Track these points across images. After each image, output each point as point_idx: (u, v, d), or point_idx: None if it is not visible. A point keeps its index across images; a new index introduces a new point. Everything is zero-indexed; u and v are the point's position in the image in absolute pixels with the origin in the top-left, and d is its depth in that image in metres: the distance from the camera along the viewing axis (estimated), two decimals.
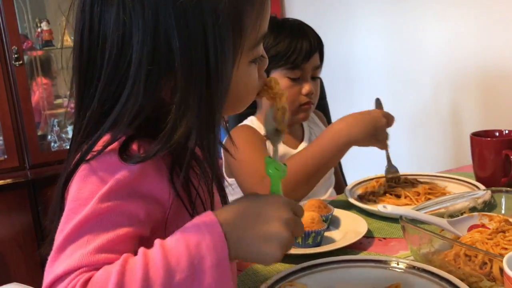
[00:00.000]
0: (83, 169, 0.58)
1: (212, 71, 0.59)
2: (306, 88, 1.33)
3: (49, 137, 2.64)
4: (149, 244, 0.56)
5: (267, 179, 0.68)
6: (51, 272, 0.54)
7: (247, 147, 1.26)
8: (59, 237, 0.55)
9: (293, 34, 1.33)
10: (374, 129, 1.14)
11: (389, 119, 1.17)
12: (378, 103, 1.23)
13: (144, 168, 0.58)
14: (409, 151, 2.21)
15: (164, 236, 0.57)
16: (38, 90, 2.60)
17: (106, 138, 0.59)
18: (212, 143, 0.62)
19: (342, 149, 1.15)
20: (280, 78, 1.30)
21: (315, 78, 1.38)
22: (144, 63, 0.58)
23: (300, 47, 1.32)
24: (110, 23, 0.59)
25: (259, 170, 1.21)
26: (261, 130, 1.37)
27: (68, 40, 2.56)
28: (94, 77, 0.61)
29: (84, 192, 0.57)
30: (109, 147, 0.58)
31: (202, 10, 0.57)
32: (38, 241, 2.34)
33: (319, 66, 1.39)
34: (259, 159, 1.19)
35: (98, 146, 0.59)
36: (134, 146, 0.59)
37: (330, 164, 1.19)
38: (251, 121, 1.40)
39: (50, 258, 0.55)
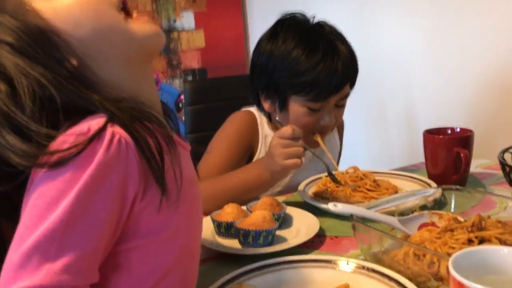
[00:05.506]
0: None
1: None
2: (325, 120, 1.22)
3: None
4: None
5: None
6: (11, 279, 0.49)
7: (224, 142, 1.25)
8: (27, 237, 0.50)
9: (324, 62, 1.15)
10: (274, 163, 1.06)
11: (289, 143, 1.04)
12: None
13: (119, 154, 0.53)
14: (366, 148, 2.23)
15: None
16: None
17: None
18: None
19: (269, 182, 1.13)
20: (298, 106, 1.20)
21: (340, 105, 1.25)
22: None
23: (329, 81, 1.16)
24: None
25: (213, 170, 1.19)
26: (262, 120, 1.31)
27: None
28: None
29: (51, 190, 0.51)
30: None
31: None
32: None
33: (347, 95, 1.25)
34: (221, 162, 1.19)
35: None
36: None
37: (254, 193, 1.15)
38: (256, 110, 1.31)
39: (12, 260, 0.49)
